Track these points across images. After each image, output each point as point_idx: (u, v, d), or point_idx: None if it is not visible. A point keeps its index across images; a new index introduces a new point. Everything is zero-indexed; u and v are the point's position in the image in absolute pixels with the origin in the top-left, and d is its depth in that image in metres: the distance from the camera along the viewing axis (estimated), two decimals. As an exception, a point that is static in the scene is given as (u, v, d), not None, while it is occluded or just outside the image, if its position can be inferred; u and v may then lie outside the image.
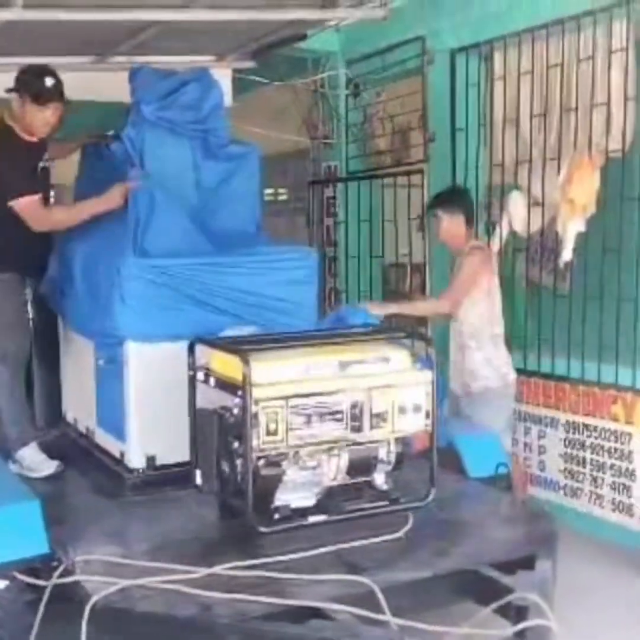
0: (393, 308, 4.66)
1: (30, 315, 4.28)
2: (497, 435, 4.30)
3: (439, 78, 5.62)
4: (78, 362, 4.40)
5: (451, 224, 4.73)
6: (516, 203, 5.19)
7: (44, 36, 4.33)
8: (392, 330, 4.09)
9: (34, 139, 4.07)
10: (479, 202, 5.43)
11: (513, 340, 5.26)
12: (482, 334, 4.61)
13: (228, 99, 4.85)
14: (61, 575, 2.96)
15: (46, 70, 3.97)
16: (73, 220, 4.15)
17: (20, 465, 4.01)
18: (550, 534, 3.35)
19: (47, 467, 4.03)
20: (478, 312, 4.62)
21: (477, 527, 3.42)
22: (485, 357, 4.61)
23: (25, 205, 3.95)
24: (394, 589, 2.91)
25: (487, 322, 4.63)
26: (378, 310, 4.40)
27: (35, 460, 4.03)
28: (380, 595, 2.82)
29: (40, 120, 4.00)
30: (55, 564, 3.05)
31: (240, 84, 5.58)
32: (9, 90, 3.95)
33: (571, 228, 4.85)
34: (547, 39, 4.90)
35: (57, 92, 3.97)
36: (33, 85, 3.94)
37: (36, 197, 3.98)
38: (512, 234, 5.28)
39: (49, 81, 3.94)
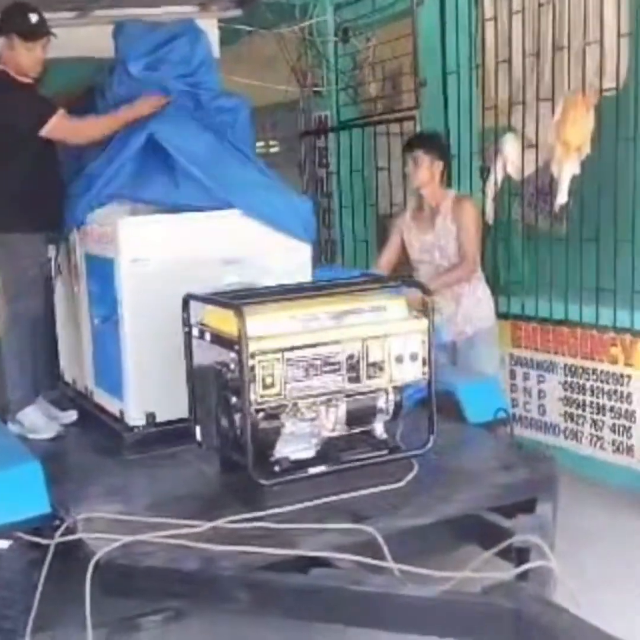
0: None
1: (52, 273, 4.24)
2: (496, 380, 4.30)
3: (429, 20, 5.52)
4: (74, 321, 4.38)
5: (432, 168, 4.64)
6: (510, 146, 5.13)
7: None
8: (387, 279, 4.05)
9: (29, 80, 3.99)
10: (472, 148, 5.37)
11: (511, 285, 5.25)
12: (473, 277, 4.58)
13: (215, 50, 4.76)
14: (63, 534, 2.98)
15: (28, 7, 3.90)
16: (106, 127, 4.06)
17: (21, 426, 4.01)
18: (550, 477, 3.36)
19: (49, 430, 4.03)
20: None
21: (477, 473, 3.42)
22: (478, 298, 4.59)
23: (55, 124, 3.88)
24: (396, 536, 2.92)
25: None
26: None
27: (36, 423, 4.03)
28: (382, 542, 2.83)
29: (32, 59, 3.94)
30: (57, 523, 3.07)
31: (226, 34, 5.45)
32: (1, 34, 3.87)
33: (566, 170, 4.80)
34: (538, -24, 4.81)
35: (45, 26, 3.92)
36: (20, 24, 3.88)
37: (61, 111, 3.92)
38: (507, 177, 5.22)
39: (34, 17, 3.88)
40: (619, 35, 4.49)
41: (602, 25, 4.54)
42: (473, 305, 4.59)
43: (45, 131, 3.90)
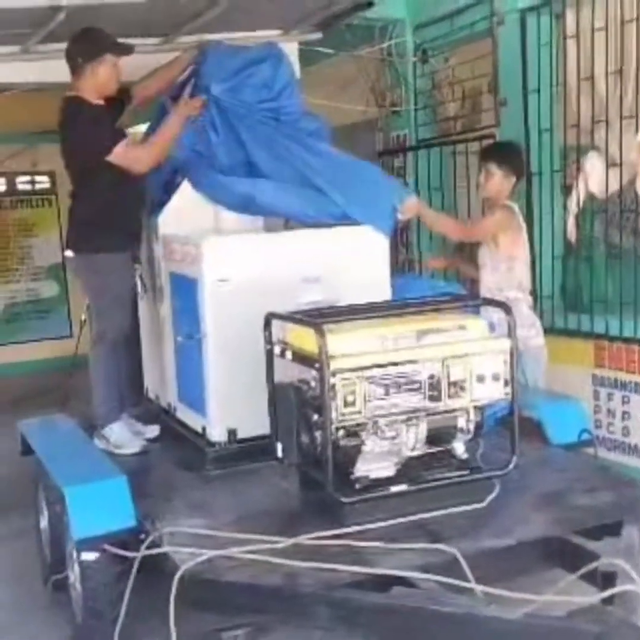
0: (423, 212, 4.68)
1: (138, 291, 4.36)
2: (580, 402, 4.23)
3: (509, 39, 5.49)
4: (158, 338, 4.47)
5: (502, 183, 4.62)
6: (593, 164, 5.06)
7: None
8: (468, 298, 4.04)
9: (102, 102, 4.10)
10: (554, 166, 5.31)
11: (594, 304, 5.17)
12: (518, 300, 4.51)
13: (296, 72, 4.83)
14: (149, 547, 3.04)
15: (95, 29, 4.05)
16: (161, 150, 4.16)
17: (106, 442, 4.10)
18: (636, 500, 3.29)
19: (133, 445, 4.12)
20: (494, 280, 4.61)
21: (560, 494, 3.37)
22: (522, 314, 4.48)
23: (121, 151, 3.98)
24: (477, 556, 2.90)
25: (501, 290, 4.55)
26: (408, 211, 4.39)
27: (121, 438, 4.12)
28: (463, 562, 2.81)
29: (113, 73, 4.07)
30: (142, 536, 3.14)
31: (307, 56, 5.52)
32: (85, 60, 4.00)
33: (651, 187, 4.72)
34: (621, -8, 4.75)
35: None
36: (102, 41, 4.03)
37: (125, 140, 4.05)
38: (590, 196, 5.15)
39: (104, 33, 4.03)
40: None
41: (688, 41, 4.47)
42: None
43: (113, 158, 3.98)
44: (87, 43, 4.04)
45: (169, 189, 4.38)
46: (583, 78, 5.08)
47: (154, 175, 4.29)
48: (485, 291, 4.63)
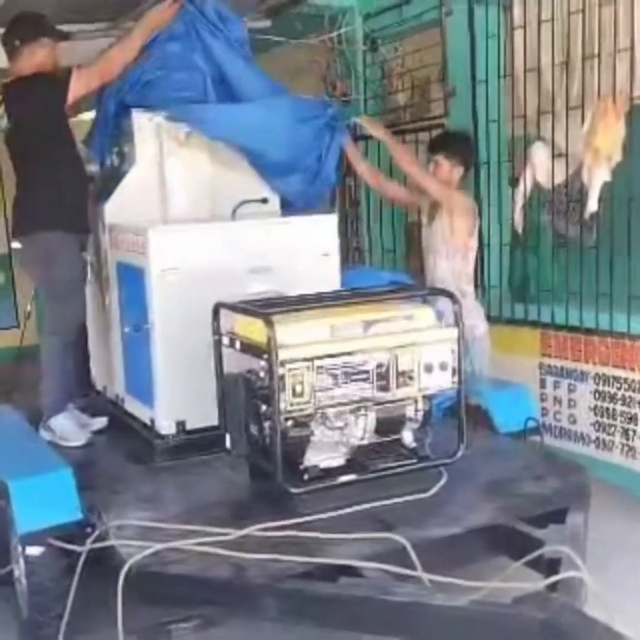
0: (385, 138, 4.82)
1: (88, 278, 4.28)
2: (526, 389, 4.28)
3: (457, 30, 5.50)
4: (105, 328, 4.42)
5: (451, 173, 4.66)
6: (540, 154, 5.10)
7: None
8: (415, 288, 4.05)
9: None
10: (501, 156, 5.35)
11: (541, 294, 5.23)
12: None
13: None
14: (95, 541, 3.01)
15: (32, 12, 4.05)
16: (132, 48, 4.10)
17: (52, 433, 4.05)
18: (581, 486, 3.35)
19: (79, 437, 4.06)
20: (450, 267, 4.63)
21: (507, 482, 3.41)
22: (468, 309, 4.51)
23: (78, 81, 3.93)
24: (425, 545, 2.92)
25: (456, 278, 4.60)
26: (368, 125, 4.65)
27: (67, 430, 4.07)
28: (411, 552, 2.83)
29: (50, 57, 4.04)
30: (89, 530, 3.10)
31: (256, 44, 5.48)
32: (23, 42, 3.97)
33: (597, 178, 4.77)
34: (567, -16, 4.79)
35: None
36: (39, 24, 4.02)
37: (76, 68, 3.97)
38: (536, 186, 5.20)
39: (41, 17, 4.04)
40: (649, 42, 4.46)
41: (633, 33, 4.51)
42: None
43: (73, 92, 3.93)
44: (24, 25, 4.02)
45: (115, 177, 4.32)
46: (529, 69, 5.12)
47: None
48: (440, 279, 4.63)
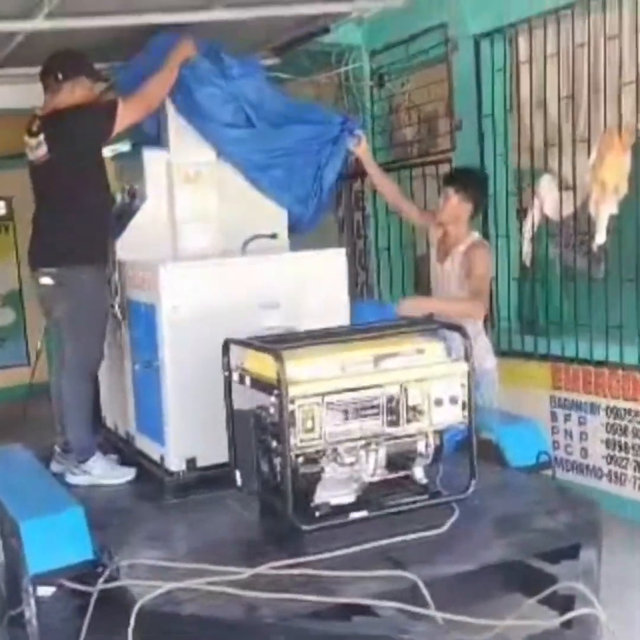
0: (427, 306, 4.50)
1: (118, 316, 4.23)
2: (537, 423, 4.26)
3: (463, 65, 5.56)
4: (115, 365, 4.43)
5: (458, 208, 4.66)
6: (547, 187, 5.13)
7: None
8: (425, 322, 4.05)
9: None
10: (509, 189, 5.38)
11: (550, 326, 5.22)
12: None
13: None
14: (106, 581, 2.99)
15: (75, 50, 4.08)
16: (166, 83, 4.14)
17: (90, 476, 3.99)
18: (594, 522, 3.31)
19: (127, 472, 4.05)
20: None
21: (519, 518, 3.38)
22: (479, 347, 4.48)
23: (124, 111, 3.97)
24: (438, 582, 2.90)
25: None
26: (412, 311, 4.24)
27: (108, 468, 4.05)
28: (424, 590, 2.81)
29: (88, 97, 4.06)
30: (100, 569, 3.09)
31: (265, 82, 5.56)
32: (65, 77, 3.99)
33: (604, 210, 4.79)
34: (572, 19, 4.83)
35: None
36: (82, 62, 4.06)
37: (119, 99, 4.01)
38: (544, 218, 5.22)
39: (84, 56, 4.07)
40: (654, 75, 4.50)
41: (638, 67, 4.55)
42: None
43: (119, 125, 3.96)
44: (68, 61, 4.05)
45: (125, 214, 4.35)
46: (535, 102, 5.16)
47: None
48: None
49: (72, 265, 3.97)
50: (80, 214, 3.98)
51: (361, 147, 4.73)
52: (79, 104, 4.02)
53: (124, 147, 4.67)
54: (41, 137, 3.99)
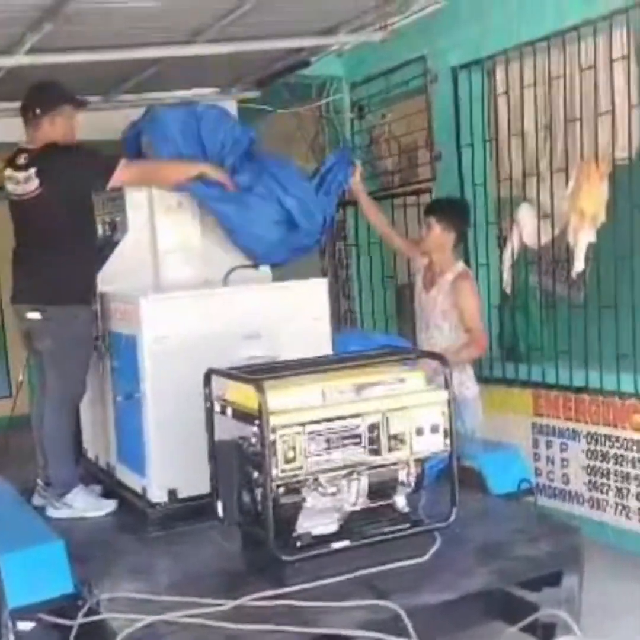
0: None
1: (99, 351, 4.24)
2: (518, 451, 4.28)
3: (442, 96, 5.64)
4: (97, 397, 4.42)
5: (441, 237, 4.75)
6: (525, 216, 5.19)
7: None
8: (406, 351, 4.07)
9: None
10: (488, 218, 5.43)
11: (531, 353, 5.26)
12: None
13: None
14: (86, 614, 2.97)
15: (52, 81, 4.08)
16: (185, 173, 4.17)
17: (72, 509, 3.97)
18: (575, 549, 3.33)
19: (109, 504, 4.04)
20: (450, 339, 4.68)
21: (501, 545, 3.39)
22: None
23: (125, 168, 3.97)
24: (420, 612, 2.90)
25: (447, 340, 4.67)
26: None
27: (91, 500, 4.04)
28: (406, 620, 2.80)
29: (71, 126, 4.08)
30: (80, 603, 3.07)
31: (245, 114, 5.61)
32: (44, 111, 3.98)
33: (582, 238, 4.85)
34: (548, 50, 4.91)
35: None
36: (61, 92, 4.04)
37: (124, 160, 4.02)
38: (523, 246, 5.28)
39: (61, 86, 4.06)
40: (629, 105, 4.57)
41: (613, 97, 4.62)
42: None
43: (115, 179, 3.97)
44: (45, 93, 4.05)
45: (107, 246, 4.37)
46: (513, 133, 5.23)
47: None
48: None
49: (63, 304, 3.97)
50: (71, 252, 3.98)
51: (356, 177, 4.82)
52: (79, 145, 4.06)
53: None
54: (31, 171, 3.96)
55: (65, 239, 3.98)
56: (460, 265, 4.82)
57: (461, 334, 4.70)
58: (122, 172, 3.98)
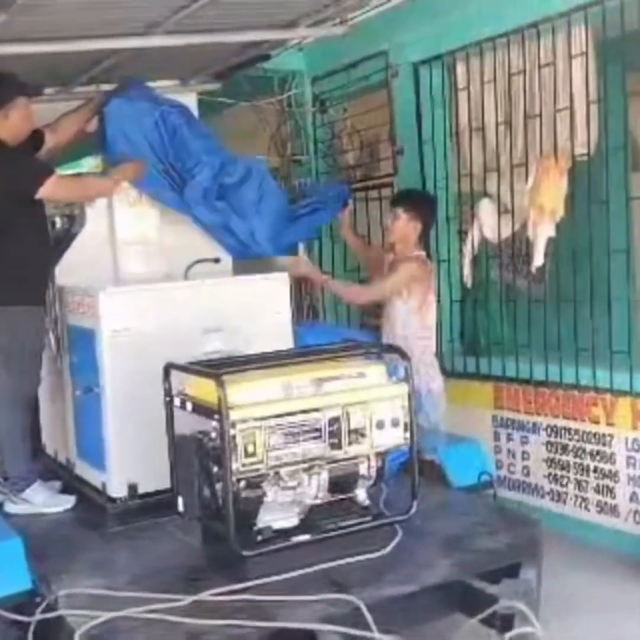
0: (317, 279, 5.08)
1: (52, 348, 4.21)
2: (479, 444, 4.31)
3: (404, 91, 5.65)
4: (55, 392, 4.37)
5: (407, 227, 4.78)
6: (486, 210, 5.22)
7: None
8: (367, 345, 4.08)
9: (18, 145, 4.02)
10: (449, 213, 5.46)
11: (491, 346, 5.30)
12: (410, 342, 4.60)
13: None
14: (44, 611, 2.94)
15: (1, 73, 4.01)
16: (100, 192, 4.24)
17: (30, 505, 3.92)
18: (534, 541, 3.36)
19: (67, 500, 4.00)
20: (410, 324, 4.70)
21: (461, 538, 3.41)
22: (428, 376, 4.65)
23: (53, 184, 3.92)
24: (381, 605, 2.90)
25: (415, 334, 4.68)
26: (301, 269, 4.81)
27: (49, 497, 3.99)
28: (366, 613, 2.81)
29: (29, 118, 4.02)
30: (38, 599, 3.03)
31: (206, 107, 5.57)
32: (3, 102, 3.91)
33: (541, 233, 4.89)
34: (508, 47, 4.95)
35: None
36: (11, 84, 3.98)
37: (56, 174, 3.98)
38: (484, 240, 5.31)
39: (12, 76, 4.00)
40: (588, 101, 4.61)
41: (572, 93, 4.66)
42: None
43: (41, 193, 3.91)
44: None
45: (65, 239, 4.32)
46: (474, 128, 5.26)
47: None
48: (401, 336, 4.63)
49: (5, 305, 3.92)
50: (14, 255, 3.93)
51: (345, 220, 5.12)
52: (20, 152, 4.01)
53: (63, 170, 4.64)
54: None
55: (7, 241, 3.92)
56: (419, 251, 4.83)
57: (417, 316, 4.71)
58: (50, 186, 3.92)
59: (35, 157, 4.15)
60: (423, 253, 4.87)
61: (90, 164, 4.96)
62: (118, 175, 4.23)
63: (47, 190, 3.92)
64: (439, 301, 5.34)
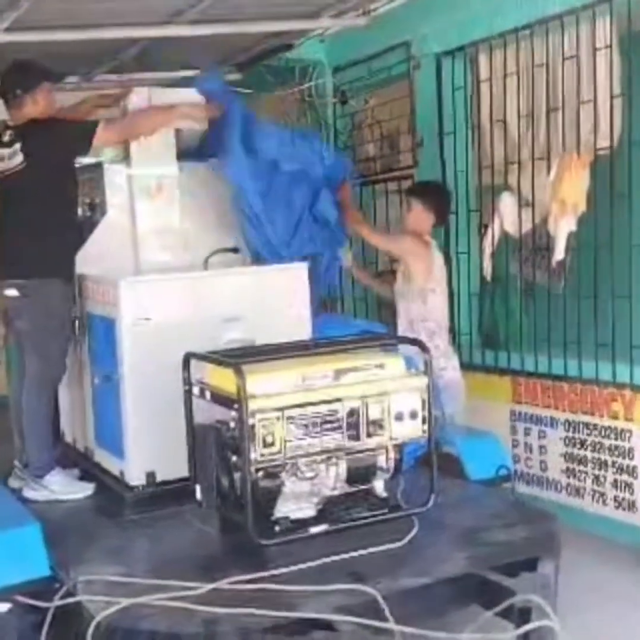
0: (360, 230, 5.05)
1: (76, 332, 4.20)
2: (497, 437, 4.30)
3: (425, 82, 5.62)
4: (75, 380, 4.39)
5: (419, 218, 4.82)
6: (506, 204, 5.20)
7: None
8: (386, 337, 4.08)
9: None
10: (469, 206, 5.43)
11: (510, 341, 5.28)
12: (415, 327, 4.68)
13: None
14: (63, 597, 2.96)
15: (28, 60, 4.09)
16: (160, 123, 4.20)
17: (49, 491, 3.94)
18: (552, 535, 3.35)
19: (86, 487, 4.02)
20: (413, 309, 4.77)
21: (478, 531, 3.40)
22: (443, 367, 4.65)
23: (102, 129, 3.96)
24: (397, 596, 2.91)
25: (421, 320, 4.73)
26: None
27: (68, 483, 4.01)
28: (383, 604, 2.81)
29: (51, 100, 4.08)
30: (57, 585, 3.06)
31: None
32: (25, 91, 3.98)
33: (562, 227, 4.86)
34: (531, 39, 4.91)
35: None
36: (38, 70, 4.04)
37: (102, 121, 4.02)
38: (504, 234, 5.29)
39: (37, 63, 4.06)
40: (611, 95, 4.57)
41: (595, 86, 4.62)
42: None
43: (95, 142, 3.96)
44: (25, 74, 4.05)
45: (86, 228, 4.33)
46: (495, 120, 5.23)
47: None
48: (405, 322, 4.72)
49: (40, 277, 3.93)
50: (52, 226, 3.97)
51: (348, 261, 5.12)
52: (60, 118, 4.07)
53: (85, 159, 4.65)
54: (17, 146, 3.97)
55: (47, 213, 3.96)
56: (433, 243, 4.85)
57: (419, 302, 4.73)
58: (103, 134, 3.98)
59: (73, 119, 4.17)
60: (432, 241, 4.89)
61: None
62: (186, 109, 4.20)
63: (100, 138, 3.98)
64: (456, 293, 5.35)
